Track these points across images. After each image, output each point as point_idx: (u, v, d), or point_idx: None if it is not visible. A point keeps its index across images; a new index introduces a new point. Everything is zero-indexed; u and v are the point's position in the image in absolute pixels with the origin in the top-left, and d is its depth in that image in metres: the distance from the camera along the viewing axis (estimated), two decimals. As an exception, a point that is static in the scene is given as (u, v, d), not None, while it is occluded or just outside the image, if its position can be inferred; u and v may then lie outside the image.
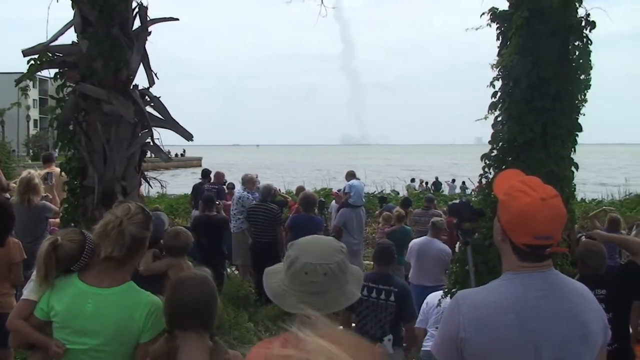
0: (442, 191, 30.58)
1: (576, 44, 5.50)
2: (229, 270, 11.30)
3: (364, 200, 13.05)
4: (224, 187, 15.09)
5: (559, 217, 2.33)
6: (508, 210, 2.33)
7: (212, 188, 13.90)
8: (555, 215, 2.30)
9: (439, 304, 6.15)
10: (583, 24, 5.45)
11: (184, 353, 2.89)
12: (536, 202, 2.26)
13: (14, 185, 8.20)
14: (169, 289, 3.06)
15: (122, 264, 3.17)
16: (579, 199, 18.55)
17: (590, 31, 5.48)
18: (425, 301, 6.73)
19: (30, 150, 68.78)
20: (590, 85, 5.50)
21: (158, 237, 5.39)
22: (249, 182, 12.37)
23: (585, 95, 5.57)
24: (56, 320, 3.16)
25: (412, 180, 33.21)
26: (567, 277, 2.43)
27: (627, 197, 24.89)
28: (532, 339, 2.22)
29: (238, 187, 13.49)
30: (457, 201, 4.96)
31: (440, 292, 6.28)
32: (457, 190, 30.00)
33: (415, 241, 9.50)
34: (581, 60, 5.46)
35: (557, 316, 2.25)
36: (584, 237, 6.13)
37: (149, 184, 7.47)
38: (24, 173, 7.70)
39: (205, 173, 15.77)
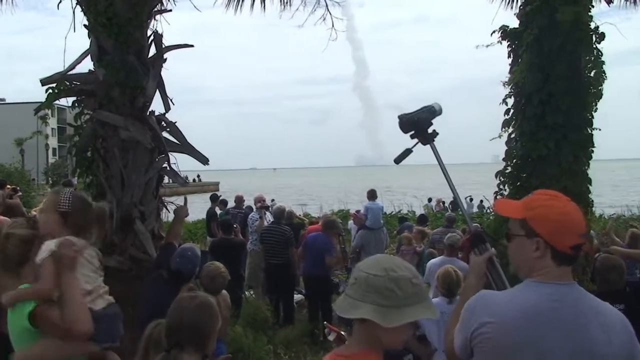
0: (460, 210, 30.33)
1: (587, 57, 5.50)
2: (247, 293, 11.30)
3: (382, 222, 13.00)
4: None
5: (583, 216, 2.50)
6: (548, 220, 2.34)
7: (238, 213, 13.85)
8: (582, 214, 2.46)
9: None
10: (593, 37, 5.46)
11: None
12: (568, 204, 2.37)
13: (34, 213, 8.32)
14: (169, 310, 3.12)
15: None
16: (597, 214, 18.33)
17: (599, 42, 5.48)
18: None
19: (50, 179, 69.25)
20: (602, 95, 5.49)
21: (194, 271, 5.57)
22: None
23: (596, 104, 5.55)
24: None
25: (429, 200, 33.01)
26: (592, 295, 2.41)
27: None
28: (535, 347, 2.22)
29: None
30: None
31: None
32: (475, 209, 29.70)
33: (434, 261, 9.01)
34: (593, 72, 5.45)
35: (566, 328, 2.23)
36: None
37: (167, 209, 7.53)
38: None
39: (214, 197, 16.02)
